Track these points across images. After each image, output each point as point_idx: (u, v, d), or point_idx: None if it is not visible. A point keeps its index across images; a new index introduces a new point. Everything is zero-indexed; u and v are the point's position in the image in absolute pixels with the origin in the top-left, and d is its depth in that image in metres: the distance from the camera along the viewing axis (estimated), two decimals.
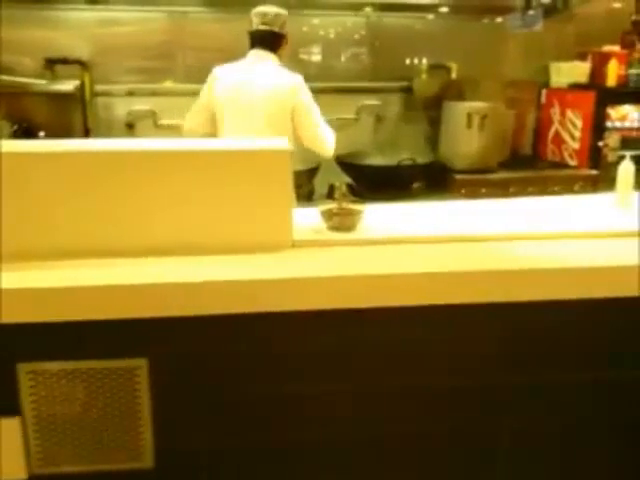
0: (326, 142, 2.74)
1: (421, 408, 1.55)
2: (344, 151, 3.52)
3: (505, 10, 3.94)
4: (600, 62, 3.61)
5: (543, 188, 3.31)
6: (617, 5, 3.91)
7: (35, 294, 1.28)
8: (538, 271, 1.46)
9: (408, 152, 3.35)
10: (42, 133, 2.96)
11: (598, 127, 3.49)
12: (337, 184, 1.75)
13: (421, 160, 3.35)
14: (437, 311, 1.42)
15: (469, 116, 3.41)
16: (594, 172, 3.45)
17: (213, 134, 2.73)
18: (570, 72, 3.69)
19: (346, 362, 1.48)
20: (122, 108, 3.45)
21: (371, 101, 3.76)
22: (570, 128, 3.62)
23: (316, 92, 3.55)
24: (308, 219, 1.68)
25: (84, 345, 1.36)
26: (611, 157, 3.43)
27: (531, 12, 3.89)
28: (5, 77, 3.09)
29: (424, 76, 3.82)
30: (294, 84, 2.65)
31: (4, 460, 1.38)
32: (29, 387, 1.35)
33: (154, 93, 3.48)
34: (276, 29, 2.71)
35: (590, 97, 3.50)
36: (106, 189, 1.43)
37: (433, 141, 3.65)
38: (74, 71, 3.25)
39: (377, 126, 3.77)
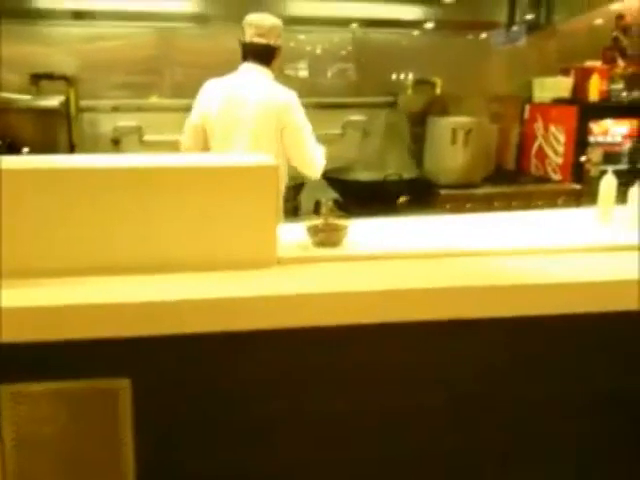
0: (315, 164, 2.65)
1: (408, 426, 1.55)
2: (330, 166, 3.52)
3: (489, 26, 3.99)
4: (582, 77, 3.66)
5: (527, 202, 3.33)
6: (598, 21, 3.97)
7: (16, 314, 1.27)
8: (523, 286, 1.47)
9: (393, 167, 3.36)
10: (26, 149, 2.94)
11: (581, 142, 3.52)
12: (323, 200, 1.75)
13: (406, 175, 3.36)
14: (424, 327, 1.42)
15: (454, 131, 3.44)
16: (577, 186, 3.49)
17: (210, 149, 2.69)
18: (553, 87, 3.74)
19: (334, 379, 1.48)
20: (108, 124, 3.43)
21: (357, 116, 3.78)
22: (553, 143, 3.66)
23: (303, 107, 3.60)
24: (294, 235, 1.68)
25: (66, 365, 1.34)
26: (594, 172, 3.46)
27: (514, 28, 3.94)
28: None
29: (409, 91, 3.85)
30: (287, 102, 2.55)
31: None
32: (11, 408, 1.33)
33: (140, 109, 3.47)
34: (271, 41, 2.59)
35: (573, 112, 3.55)
36: (89, 206, 1.42)
37: (418, 156, 3.67)
38: (60, 87, 3.23)
39: (363, 141, 3.79)
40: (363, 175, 3.48)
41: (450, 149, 3.45)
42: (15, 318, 1.27)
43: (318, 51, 3.82)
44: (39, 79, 3.21)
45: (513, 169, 3.92)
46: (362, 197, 3.17)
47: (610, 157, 3.50)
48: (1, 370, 1.31)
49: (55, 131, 3.13)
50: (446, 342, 1.49)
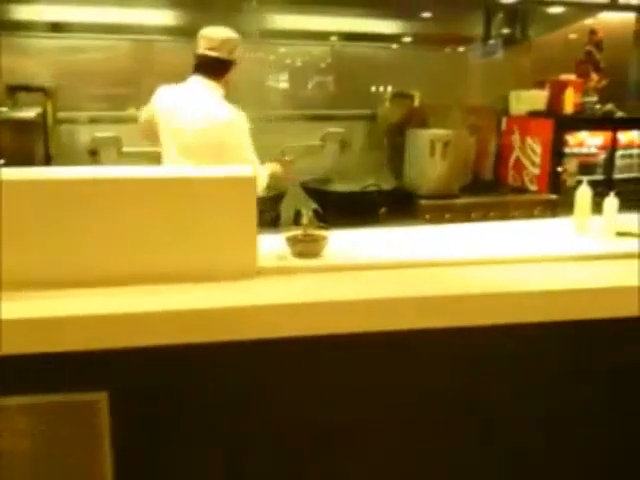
0: None
1: (394, 437, 1.54)
2: (310, 177, 3.55)
3: (466, 40, 4.06)
4: (557, 90, 3.72)
5: (504, 213, 3.37)
6: (572, 36, 4.05)
7: None
8: (501, 295, 1.48)
9: (373, 178, 3.38)
10: (1, 161, 2.90)
11: (557, 153, 3.58)
12: (303, 210, 1.76)
13: (386, 186, 3.39)
14: (403, 336, 1.43)
15: (432, 143, 3.47)
16: (553, 197, 3.54)
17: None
18: (529, 100, 3.80)
19: (314, 390, 1.47)
20: (85, 135, 3.41)
21: (336, 128, 3.80)
22: (530, 154, 3.71)
23: (283, 119, 3.61)
24: (273, 245, 1.68)
25: (43, 379, 1.32)
26: (570, 182, 3.52)
27: (491, 42, 4.01)
28: None
29: (388, 104, 3.88)
30: (224, 121, 2.50)
31: None
32: None
33: (118, 120, 3.45)
34: (223, 55, 2.55)
35: (548, 124, 3.61)
36: (65, 217, 1.41)
37: (397, 167, 3.70)
38: (37, 98, 3.21)
39: (342, 152, 3.81)
40: (343, 186, 3.50)
41: (429, 160, 3.48)
42: None
43: (298, 64, 3.85)
44: (15, 91, 3.18)
45: (491, 180, 3.96)
46: (342, 208, 3.18)
47: (585, 168, 3.56)
48: None
49: (32, 142, 3.09)
50: (428, 351, 1.50)
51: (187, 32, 3.52)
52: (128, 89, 3.51)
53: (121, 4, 3.38)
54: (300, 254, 1.66)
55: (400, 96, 3.86)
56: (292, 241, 1.68)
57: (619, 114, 3.75)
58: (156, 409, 1.40)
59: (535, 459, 1.64)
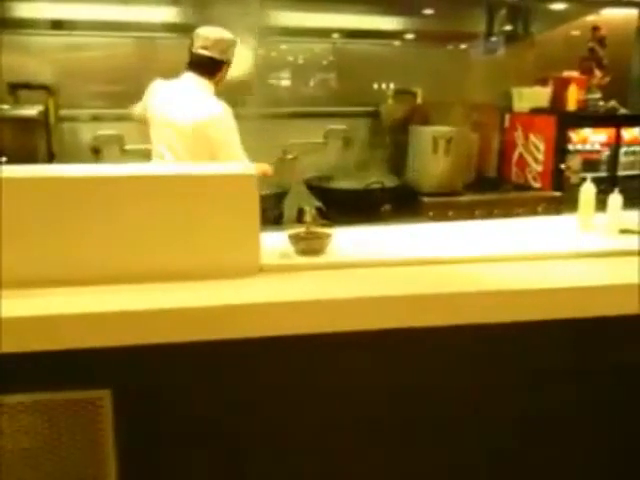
0: None
1: (395, 436, 1.54)
2: (312, 175, 3.54)
3: (468, 37, 4.04)
4: (560, 87, 3.71)
5: (508, 210, 3.36)
6: (575, 32, 4.04)
7: None
8: (505, 293, 1.47)
9: (376, 176, 3.38)
10: (4, 158, 2.90)
11: (560, 150, 3.57)
12: (306, 208, 1.75)
13: (389, 183, 3.38)
14: (407, 334, 1.42)
15: (435, 140, 3.46)
16: (557, 194, 3.53)
17: None
18: (531, 97, 3.79)
19: (319, 388, 1.47)
20: (88, 133, 3.41)
21: (338, 125, 3.79)
22: (533, 151, 3.70)
23: (285, 117, 3.61)
24: (276, 243, 1.67)
25: (46, 376, 1.31)
26: (573, 179, 3.51)
27: (493, 39, 4.00)
28: None
29: (390, 101, 3.87)
30: (208, 117, 2.53)
31: None
32: None
33: (120, 118, 3.44)
34: (216, 55, 2.61)
35: (551, 121, 3.59)
36: (67, 215, 1.40)
37: (400, 165, 3.69)
38: (39, 96, 3.20)
39: (345, 150, 3.80)
40: (346, 183, 3.50)
41: (432, 158, 3.48)
42: None
43: (300, 61, 3.84)
44: (17, 88, 3.17)
45: (494, 177, 3.95)
46: (345, 205, 3.18)
47: (589, 165, 3.56)
48: None
49: (34, 140, 3.09)
50: (431, 349, 1.49)
51: (189, 29, 3.50)
52: (130, 86, 3.49)
53: (123, 1, 3.37)
54: (303, 252, 1.65)
55: (402, 93, 3.85)
56: (295, 239, 1.67)
57: (622, 111, 3.74)
58: (159, 406, 1.39)
59: (533, 459, 1.63)
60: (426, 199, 3.39)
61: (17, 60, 3.28)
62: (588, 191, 1.98)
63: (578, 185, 2.04)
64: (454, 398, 1.54)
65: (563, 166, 3.56)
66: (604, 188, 2.03)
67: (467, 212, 3.32)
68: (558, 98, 3.71)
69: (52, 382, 1.31)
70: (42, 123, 3.13)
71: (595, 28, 3.82)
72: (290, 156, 3.62)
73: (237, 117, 2.63)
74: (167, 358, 1.35)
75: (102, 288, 1.38)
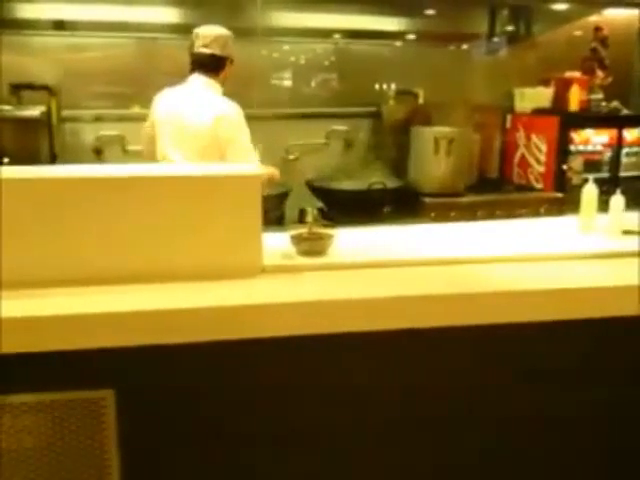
0: None
1: (397, 436, 1.54)
2: (314, 175, 3.55)
3: (470, 37, 4.04)
4: (562, 88, 3.71)
5: (510, 211, 3.35)
6: (577, 33, 4.04)
7: None
8: (507, 294, 1.47)
9: (377, 176, 3.38)
10: (6, 159, 2.90)
11: (562, 151, 3.57)
12: (308, 209, 1.75)
13: (391, 184, 3.38)
14: (410, 335, 1.42)
15: (436, 141, 3.46)
16: (559, 195, 3.52)
17: None
18: (534, 97, 3.79)
19: (321, 389, 1.47)
20: (90, 133, 3.41)
21: (340, 126, 3.79)
22: (535, 152, 3.70)
23: (287, 117, 3.61)
24: (278, 244, 1.67)
25: (49, 376, 1.32)
26: (576, 180, 3.51)
27: (495, 39, 4.00)
28: None
29: (392, 102, 3.87)
30: (217, 116, 2.52)
31: None
32: None
33: (122, 118, 3.45)
34: (217, 51, 2.62)
35: (554, 122, 3.59)
36: (69, 216, 1.41)
37: (402, 165, 3.69)
38: (41, 97, 3.21)
39: (346, 151, 3.81)
40: (347, 184, 3.50)
41: (433, 158, 3.48)
42: None
43: (302, 61, 3.85)
44: (19, 89, 3.18)
45: (496, 178, 3.95)
46: (347, 206, 3.18)
47: (591, 165, 3.55)
48: None
49: (36, 141, 3.10)
50: (433, 349, 1.49)
51: (191, 30, 3.52)
52: (132, 87, 3.51)
53: (125, 2, 3.38)
54: (305, 252, 1.65)
55: (404, 94, 3.85)
56: (297, 239, 1.67)
57: (625, 111, 3.73)
58: (162, 406, 1.40)
59: (538, 459, 1.63)
60: (428, 200, 3.39)
61: (19, 61, 3.28)
62: (590, 192, 1.98)
63: (580, 186, 2.04)
64: (454, 398, 1.54)
65: (565, 167, 3.55)
66: (606, 189, 2.03)
67: (469, 213, 3.32)
68: (560, 99, 3.71)
69: (55, 382, 1.32)
70: (44, 124, 3.13)
71: (597, 28, 3.82)
72: (292, 157, 3.62)
73: None
74: (170, 358, 1.35)
75: (104, 289, 1.38)
